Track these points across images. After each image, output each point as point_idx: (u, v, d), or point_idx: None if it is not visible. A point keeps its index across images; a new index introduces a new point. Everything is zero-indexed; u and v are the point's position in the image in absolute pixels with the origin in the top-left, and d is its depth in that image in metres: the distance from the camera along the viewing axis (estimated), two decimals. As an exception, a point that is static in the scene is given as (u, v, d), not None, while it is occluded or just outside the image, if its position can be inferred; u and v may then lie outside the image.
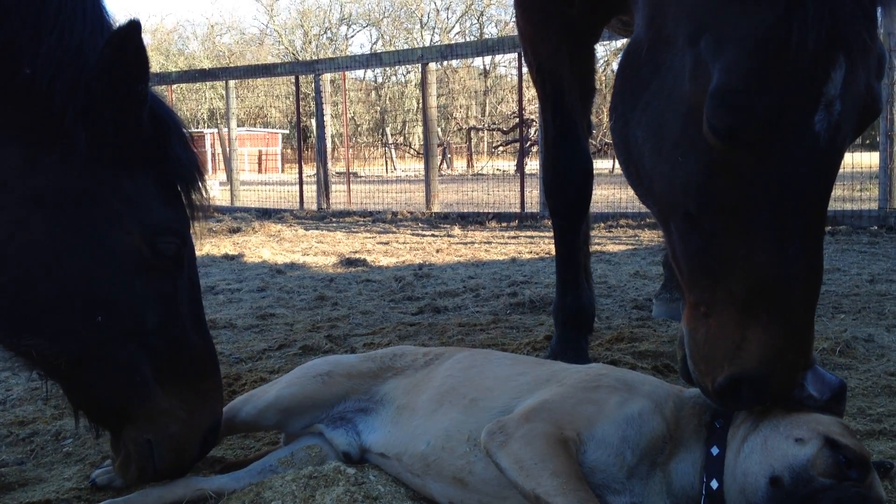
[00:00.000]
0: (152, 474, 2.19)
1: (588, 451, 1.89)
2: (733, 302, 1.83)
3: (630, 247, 9.44)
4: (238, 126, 19.74)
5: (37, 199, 1.94)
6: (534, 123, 24.72)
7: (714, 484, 1.85)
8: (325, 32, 60.41)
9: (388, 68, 47.53)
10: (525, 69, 14.26)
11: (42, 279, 1.95)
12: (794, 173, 1.76)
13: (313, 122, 16.71)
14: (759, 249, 1.78)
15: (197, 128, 34.44)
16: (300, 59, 46.37)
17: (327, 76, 16.07)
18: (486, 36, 51.03)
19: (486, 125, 37.58)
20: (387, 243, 10.40)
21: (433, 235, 11.30)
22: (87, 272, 1.99)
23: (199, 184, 2.24)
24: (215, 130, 27.44)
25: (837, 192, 12.86)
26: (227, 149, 18.29)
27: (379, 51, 47.70)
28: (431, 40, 55.03)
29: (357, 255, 8.86)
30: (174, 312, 2.16)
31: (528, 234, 11.31)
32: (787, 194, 1.76)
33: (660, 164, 2.03)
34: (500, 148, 37.31)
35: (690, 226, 1.92)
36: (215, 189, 22.03)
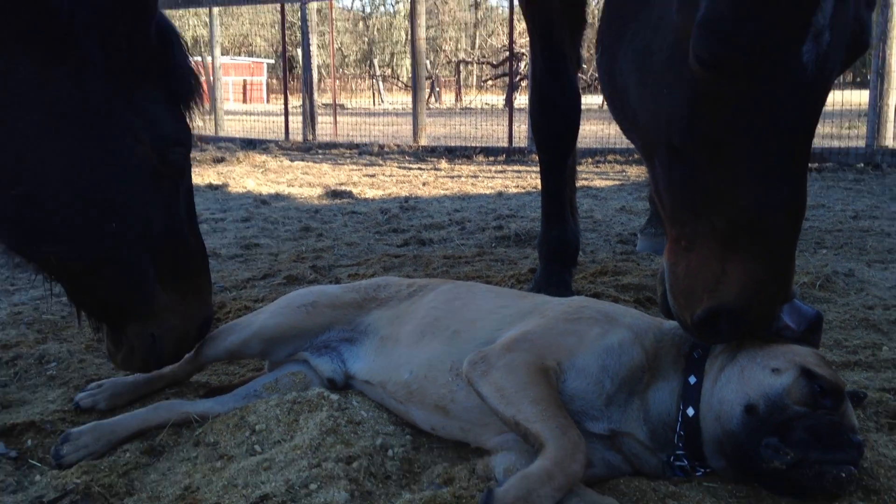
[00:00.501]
0: (155, 365, 2.34)
1: (568, 380, 1.91)
2: (714, 235, 1.82)
3: (617, 182, 9.43)
4: (222, 55, 19.34)
5: (52, 110, 1.99)
6: (524, 57, 24.38)
7: (690, 411, 1.88)
8: (312, -41, 58.79)
9: (375, -3, 46.45)
10: (516, 1, 13.99)
11: (60, 189, 2.02)
12: (780, 105, 1.73)
13: (299, 51, 16.41)
14: (742, 182, 1.76)
15: (180, 56, 33.67)
16: (286, -14, 45.18)
17: (314, 5, 15.71)
18: (477, -35, 49.80)
19: (475, 58, 37.03)
20: (373, 176, 10.34)
21: (420, 169, 11.23)
22: (103, 181, 2.07)
23: (198, 96, 2.32)
24: (199, 59, 26.90)
25: (826, 129, 12.87)
26: (211, 78, 17.97)
27: (367, -21, 46.56)
28: (420, -31, 53.63)
29: (343, 187, 8.81)
30: (176, 216, 2.27)
31: (516, 168, 11.26)
32: (772, 127, 1.74)
33: (645, 96, 2.00)
34: (490, 82, 36.87)
35: (674, 159, 1.90)
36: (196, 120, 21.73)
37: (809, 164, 10.96)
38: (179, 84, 2.24)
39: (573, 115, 3.58)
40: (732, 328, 1.83)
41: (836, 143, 11.07)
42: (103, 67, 2.02)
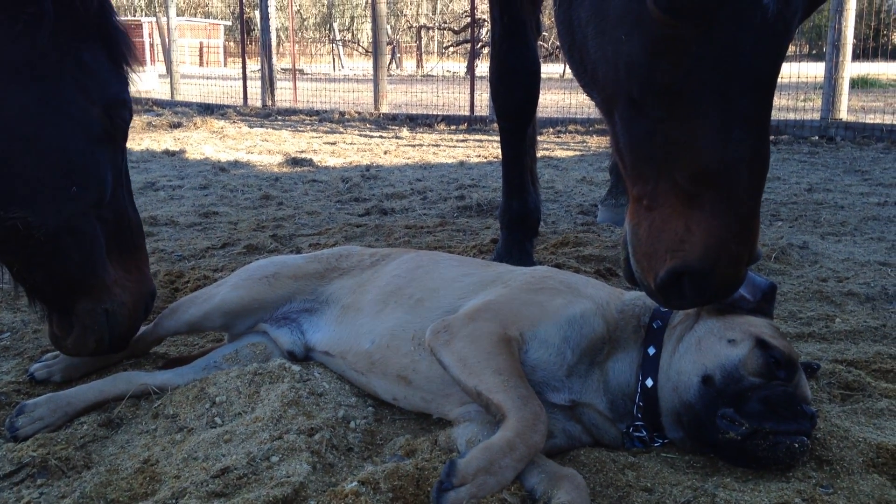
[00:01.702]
0: (108, 345, 2.30)
1: (530, 350, 1.93)
2: (676, 192, 1.75)
3: (578, 153, 9.46)
4: (178, 15, 18.86)
5: (7, 70, 1.96)
6: (486, 24, 24.19)
7: (649, 382, 1.91)
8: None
9: (336, -40, 45.61)
10: (478, -34, 13.85)
11: (22, 151, 2.00)
12: (741, 51, 1.67)
13: (257, 13, 16.07)
14: (703, 134, 1.70)
15: (134, 15, 32.85)
16: (243, -54, 44.11)
17: (272, -35, 15.37)
18: (439, -71, 49.14)
19: (436, 24, 36.66)
20: (334, 143, 10.23)
21: (381, 137, 11.14)
22: (62, 143, 2.06)
23: (135, 56, 2.30)
24: (153, 19, 26.18)
25: (781, 101, 13.05)
26: (167, 39, 17.53)
27: (327, -59, 45.63)
28: (382, -69, 52.74)
29: (303, 155, 8.71)
30: (121, 184, 2.27)
31: (477, 137, 11.23)
32: (733, 73, 1.68)
33: (603, 45, 1.93)
34: (451, 49, 36.58)
35: (634, 112, 1.84)
36: (154, 82, 21.23)
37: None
38: (118, 46, 2.23)
39: (533, 82, 3.56)
40: (697, 291, 1.76)
41: (791, 116, 11.22)
42: (54, 25, 2.00)
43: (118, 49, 2.23)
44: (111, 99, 2.16)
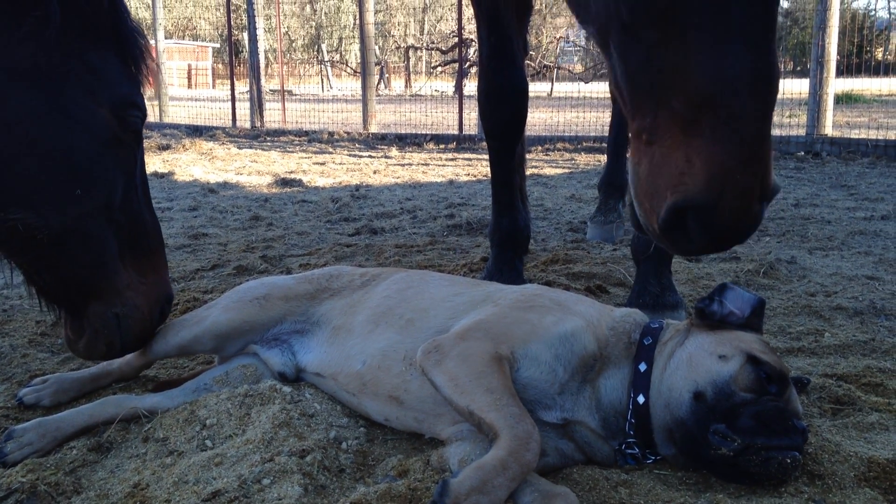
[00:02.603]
0: (119, 349, 2.28)
1: (521, 369, 1.93)
2: (676, 121, 1.62)
3: (566, 170, 9.50)
4: (166, 38, 18.90)
5: (12, 72, 1.96)
6: (473, 43, 24.34)
7: (641, 399, 1.91)
8: (258, -59, 57.66)
9: (323, -18, 45.82)
10: (465, -14, 13.94)
11: (24, 153, 1.99)
12: None
13: (245, 35, 16.11)
14: (698, 53, 1.58)
15: (122, 39, 32.77)
16: (231, -31, 44.31)
17: (260, -13, 15.44)
18: (426, -50, 49.42)
19: (424, 44, 36.85)
20: (323, 164, 10.24)
21: (370, 156, 11.16)
22: (66, 145, 2.05)
23: (149, 57, 2.29)
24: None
25: (768, 118, 13.12)
26: (156, 62, 17.55)
27: (314, -37, 45.88)
28: (369, -47, 53.06)
29: (292, 175, 8.71)
30: (134, 187, 2.25)
31: (466, 156, 11.27)
32: None
33: None
34: (439, 68, 36.76)
35: (628, 39, 1.74)
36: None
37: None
38: (131, 47, 2.22)
39: (521, 101, 3.58)
40: (704, 229, 1.62)
41: (777, 132, 11.31)
42: (61, 28, 2.00)
43: (130, 50, 2.21)
44: (120, 100, 2.14)
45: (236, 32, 19.29)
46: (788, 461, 1.72)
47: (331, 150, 12.19)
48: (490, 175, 3.80)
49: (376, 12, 19.67)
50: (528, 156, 4.21)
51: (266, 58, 17.79)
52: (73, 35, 2.05)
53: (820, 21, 10.08)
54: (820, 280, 3.89)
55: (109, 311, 2.21)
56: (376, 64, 20.57)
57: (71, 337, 2.28)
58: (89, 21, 2.07)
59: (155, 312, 2.34)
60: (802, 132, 10.78)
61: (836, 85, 11.10)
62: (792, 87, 13.87)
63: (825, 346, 2.85)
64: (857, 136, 10.33)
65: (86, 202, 2.09)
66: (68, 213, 2.06)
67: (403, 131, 13.99)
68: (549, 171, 9.38)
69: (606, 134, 5.68)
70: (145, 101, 2.29)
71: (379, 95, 21.73)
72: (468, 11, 16.19)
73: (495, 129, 3.63)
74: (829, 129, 10.43)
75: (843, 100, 17.20)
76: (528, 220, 3.84)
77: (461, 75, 15.61)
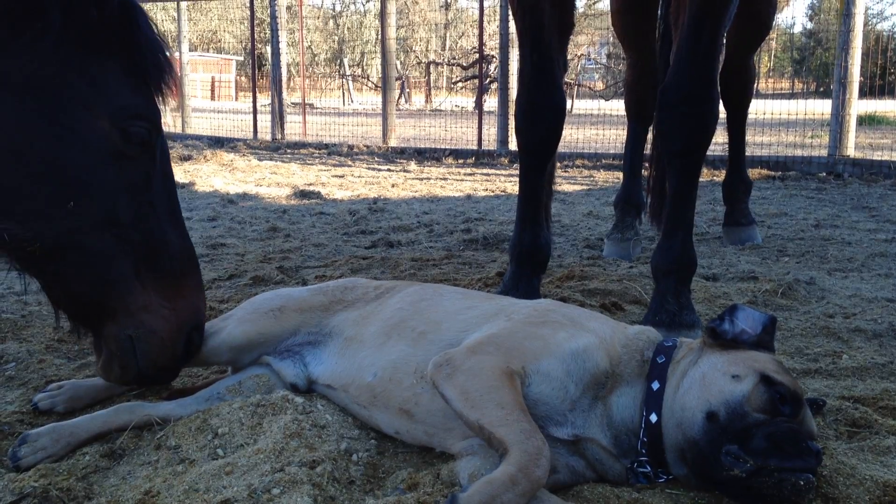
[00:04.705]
0: (135, 373, 2.20)
1: (532, 384, 1.92)
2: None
3: (585, 187, 9.49)
4: (190, 50, 19.13)
5: (5, 82, 1.91)
6: (494, 60, 24.42)
7: (653, 417, 1.90)
8: (283, -44, 58.24)
9: (347, -3, 46.25)
10: (487, 2, 14.00)
11: (11, 163, 1.94)
12: None
13: (268, 49, 16.27)
14: None
15: (147, 51, 33.11)
16: (256, -17, 44.78)
17: (283, 1, 15.60)
18: (449, -33, 49.71)
19: (445, 60, 37.00)
20: (342, 176, 10.30)
21: (389, 170, 11.21)
22: (57, 156, 1.98)
23: (168, 70, 2.21)
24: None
25: (789, 138, 13.09)
26: (179, 74, 17.75)
27: (338, -22, 46.36)
28: (392, -31, 53.42)
29: (311, 188, 8.76)
30: (149, 204, 2.16)
31: (485, 171, 11.29)
32: None
33: None
34: (460, 84, 36.87)
35: None
36: (165, 115, 21.44)
37: (773, 173, 10.92)
38: (143, 58, 2.13)
39: (558, 119, 3.58)
40: None
41: (798, 152, 11.25)
42: (61, 38, 1.95)
43: (140, 61, 2.13)
44: (121, 111, 2.05)
45: (260, 46, 19.49)
46: (802, 483, 1.69)
47: (350, 163, 12.25)
48: (518, 190, 3.80)
49: (398, 28, 19.82)
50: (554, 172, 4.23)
51: (288, 71, 17.95)
52: (73, 45, 1.98)
53: (843, 42, 10.04)
54: (839, 301, 3.85)
55: (123, 332, 2.13)
56: (397, 79, 20.70)
57: (95, 357, 2.24)
58: (94, 31, 2.01)
59: (178, 340, 2.21)
60: (824, 153, 10.72)
61: (860, 106, 11.04)
62: (815, 108, 13.80)
63: (843, 369, 2.82)
64: (879, 158, 10.25)
65: (81, 216, 2.01)
66: (60, 227, 2.00)
67: (423, 146, 14.04)
68: (567, 187, 9.37)
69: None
70: (161, 113, 2.23)
71: (399, 110, 21.84)
72: (489, 28, 16.28)
73: (530, 144, 3.63)
74: (851, 151, 10.36)
75: (867, 121, 17.09)
76: (549, 239, 3.83)
77: (481, 91, 15.68)
